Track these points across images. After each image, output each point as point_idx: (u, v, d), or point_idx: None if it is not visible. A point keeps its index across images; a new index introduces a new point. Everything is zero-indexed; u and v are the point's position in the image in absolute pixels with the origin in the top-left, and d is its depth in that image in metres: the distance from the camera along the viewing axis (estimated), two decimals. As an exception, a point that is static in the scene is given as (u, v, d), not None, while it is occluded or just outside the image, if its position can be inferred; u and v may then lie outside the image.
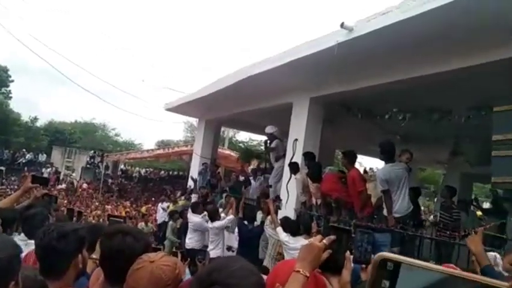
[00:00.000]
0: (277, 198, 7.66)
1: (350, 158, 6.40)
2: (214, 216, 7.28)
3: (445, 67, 4.94)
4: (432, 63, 5.07)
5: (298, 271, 1.57)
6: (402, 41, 4.76)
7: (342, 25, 5.00)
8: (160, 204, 13.17)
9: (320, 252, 1.64)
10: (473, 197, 9.27)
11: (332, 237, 1.70)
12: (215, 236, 7.22)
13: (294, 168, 7.18)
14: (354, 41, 4.97)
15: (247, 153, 10.75)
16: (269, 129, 8.96)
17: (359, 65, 5.72)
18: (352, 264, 1.98)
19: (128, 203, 18.15)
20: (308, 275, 1.58)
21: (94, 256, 2.14)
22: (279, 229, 5.67)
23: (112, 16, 69.06)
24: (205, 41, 77.32)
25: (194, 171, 12.06)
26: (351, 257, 2.04)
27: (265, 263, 6.06)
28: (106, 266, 1.70)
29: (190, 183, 11.76)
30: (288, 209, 7.07)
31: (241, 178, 11.23)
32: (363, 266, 2.34)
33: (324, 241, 1.67)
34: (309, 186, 6.89)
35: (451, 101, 5.88)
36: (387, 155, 5.76)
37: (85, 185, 21.54)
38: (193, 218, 7.73)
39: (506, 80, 4.87)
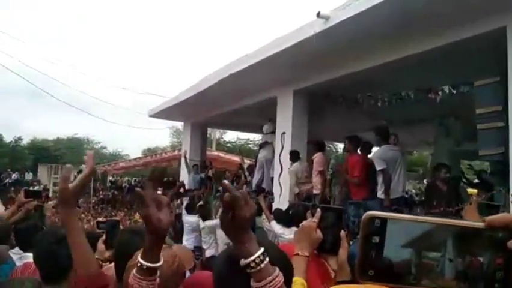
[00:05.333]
0: (268, 193, 7.68)
1: (355, 142, 6.48)
2: (206, 215, 7.26)
3: (425, 46, 4.99)
4: (411, 44, 5.12)
5: (297, 254, 1.60)
6: (378, 25, 4.79)
7: (318, 14, 5.02)
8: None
9: (312, 230, 1.68)
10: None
11: (318, 213, 1.73)
12: (206, 235, 7.21)
13: (295, 156, 7.23)
14: (332, 29, 5.01)
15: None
16: (266, 128, 9.01)
17: (339, 53, 5.76)
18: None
19: (122, 213, 17.95)
20: (308, 254, 1.62)
21: (96, 256, 2.13)
22: (273, 223, 5.68)
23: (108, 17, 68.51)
24: (201, 40, 77.35)
25: (184, 175, 11.99)
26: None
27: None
28: (115, 263, 1.71)
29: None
30: (282, 202, 7.08)
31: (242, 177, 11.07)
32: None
33: (314, 219, 1.70)
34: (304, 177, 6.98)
35: (433, 80, 5.94)
36: (381, 136, 5.87)
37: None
38: (189, 219, 7.68)
39: (484, 54, 4.95)
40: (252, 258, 0.95)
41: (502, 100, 4.22)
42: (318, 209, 1.82)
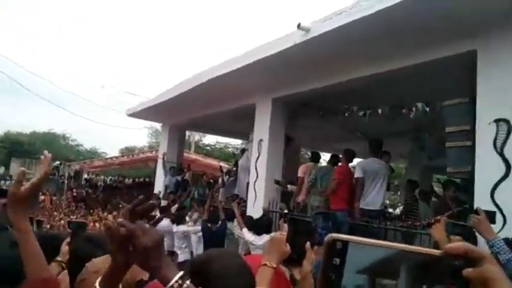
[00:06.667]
0: (241, 200, 7.71)
1: (349, 155, 6.64)
2: (179, 220, 7.23)
3: (400, 63, 5.11)
4: (388, 60, 5.23)
5: (265, 264, 1.65)
6: (357, 40, 4.89)
7: (299, 26, 5.09)
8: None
9: (282, 243, 1.72)
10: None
11: (286, 226, 1.78)
12: (179, 240, 7.17)
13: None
14: (311, 41, 5.08)
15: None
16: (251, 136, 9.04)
17: (317, 64, 5.84)
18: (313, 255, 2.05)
19: (100, 213, 17.65)
20: (275, 266, 1.66)
21: (59, 258, 2.12)
22: (245, 230, 5.72)
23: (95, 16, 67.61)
24: (185, 40, 77.01)
25: (160, 176, 11.91)
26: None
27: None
28: (69, 269, 1.71)
29: (159, 188, 11.58)
30: (257, 209, 7.10)
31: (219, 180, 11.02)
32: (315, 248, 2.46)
33: (283, 232, 1.75)
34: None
35: (407, 97, 6.08)
36: (371, 148, 6.14)
37: (42, 197, 20.59)
38: (162, 223, 7.63)
39: (455, 75, 5.10)
40: (170, 284, 0.95)
41: (471, 120, 4.35)
42: (285, 224, 1.86)
